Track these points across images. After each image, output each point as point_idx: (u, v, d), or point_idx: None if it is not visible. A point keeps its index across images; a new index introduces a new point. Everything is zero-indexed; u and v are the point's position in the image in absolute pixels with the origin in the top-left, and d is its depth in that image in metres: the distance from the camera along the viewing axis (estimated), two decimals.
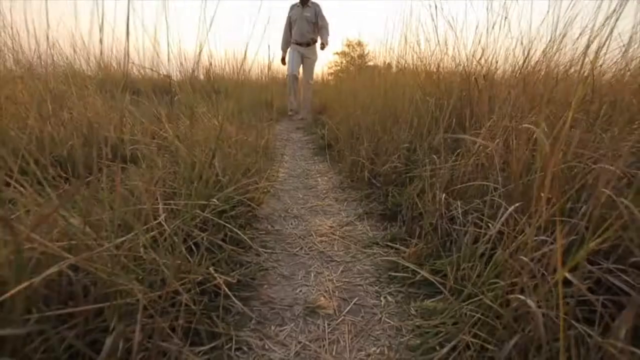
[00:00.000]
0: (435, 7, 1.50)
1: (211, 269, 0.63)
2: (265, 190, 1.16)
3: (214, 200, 0.74)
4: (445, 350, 0.54)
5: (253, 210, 1.04)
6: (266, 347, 0.58)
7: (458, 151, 1.04)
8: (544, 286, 0.46)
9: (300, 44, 3.83)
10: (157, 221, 0.57)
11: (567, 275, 0.44)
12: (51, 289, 0.45)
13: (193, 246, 0.68)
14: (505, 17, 1.33)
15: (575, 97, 0.58)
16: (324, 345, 0.59)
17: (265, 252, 0.88)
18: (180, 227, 0.63)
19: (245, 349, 0.57)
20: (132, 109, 1.48)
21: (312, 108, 4.10)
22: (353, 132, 1.76)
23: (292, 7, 3.92)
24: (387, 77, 2.33)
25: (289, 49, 3.89)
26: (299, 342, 0.60)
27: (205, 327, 0.56)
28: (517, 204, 0.59)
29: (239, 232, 0.77)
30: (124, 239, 0.51)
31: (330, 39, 3.94)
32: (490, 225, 0.68)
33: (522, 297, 0.45)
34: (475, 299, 0.58)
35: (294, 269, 0.83)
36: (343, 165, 1.70)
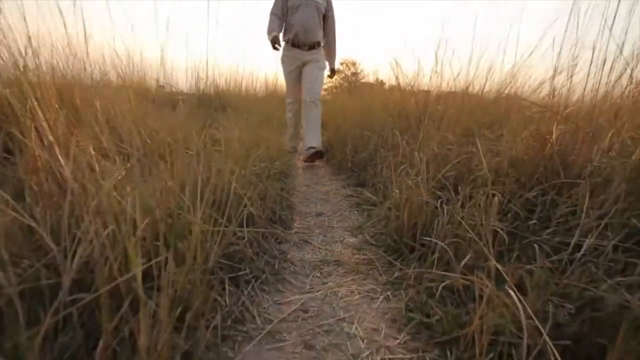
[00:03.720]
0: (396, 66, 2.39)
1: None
2: (290, 169, 2.00)
3: (277, 163, 1.57)
4: (374, 220, 1.37)
5: (286, 179, 1.86)
6: (304, 223, 1.40)
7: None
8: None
9: (300, 47, 2.53)
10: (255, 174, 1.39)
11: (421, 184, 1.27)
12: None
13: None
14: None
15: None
16: (325, 222, 1.42)
17: (294, 197, 1.71)
18: (262, 174, 1.45)
19: (295, 223, 1.39)
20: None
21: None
22: (342, 140, 2.61)
23: None
24: (372, 97, 3.24)
25: (282, 55, 2.67)
26: (314, 221, 1.42)
27: (279, 207, 1.38)
28: (403, 166, 1.43)
29: (285, 180, 1.60)
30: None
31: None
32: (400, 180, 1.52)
33: (396, 191, 1.28)
34: (389, 203, 1.41)
35: (309, 203, 1.66)
36: (335, 161, 2.54)
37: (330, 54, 2.78)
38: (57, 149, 0.67)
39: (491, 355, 0.60)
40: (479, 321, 0.61)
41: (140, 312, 0.45)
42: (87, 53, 1.16)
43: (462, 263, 0.77)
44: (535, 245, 0.84)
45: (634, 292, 0.70)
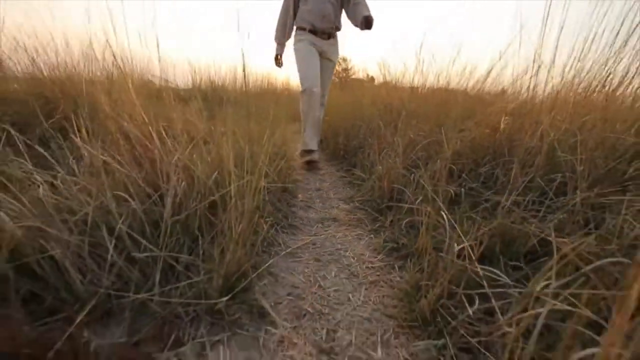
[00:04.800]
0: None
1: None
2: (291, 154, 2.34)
3: (283, 148, 1.90)
4: (363, 192, 1.72)
5: (289, 162, 2.20)
6: (306, 195, 1.75)
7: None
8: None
9: (316, 33, 2.29)
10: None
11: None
12: None
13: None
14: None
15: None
16: (324, 194, 1.77)
17: (297, 175, 2.06)
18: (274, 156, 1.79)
19: (299, 195, 1.74)
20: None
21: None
22: (335, 132, 2.96)
23: None
24: (362, 93, 3.59)
25: (295, 42, 2.36)
26: (315, 194, 1.77)
27: (288, 180, 1.72)
28: (386, 150, 1.78)
29: (290, 162, 1.94)
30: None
31: None
32: (383, 159, 1.87)
33: (380, 167, 1.64)
34: (374, 177, 1.77)
35: (309, 182, 2.01)
36: (329, 150, 2.89)
37: (358, 8, 2.23)
38: (150, 127, 1.00)
39: (432, 255, 0.96)
40: (425, 237, 0.97)
41: (232, 211, 0.78)
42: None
43: (417, 201, 1.13)
44: (462, 190, 1.21)
45: (530, 224, 1.07)
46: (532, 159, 1.43)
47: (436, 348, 0.67)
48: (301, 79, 2.24)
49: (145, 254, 0.77)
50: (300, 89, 2.24)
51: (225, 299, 0.70)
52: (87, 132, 1.05)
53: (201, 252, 0.80)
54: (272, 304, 0.79)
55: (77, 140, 1.03)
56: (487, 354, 0.64)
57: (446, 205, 1.15)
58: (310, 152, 2.32)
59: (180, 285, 0.72)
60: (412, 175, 1.49)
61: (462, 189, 1.35)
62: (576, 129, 1.41)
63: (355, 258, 1.08)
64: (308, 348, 0.67)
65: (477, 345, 0.65)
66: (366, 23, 2.13)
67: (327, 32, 2.31)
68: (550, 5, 1.60)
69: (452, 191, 1.26)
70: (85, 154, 1.03)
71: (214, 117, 1.90)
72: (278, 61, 2.47)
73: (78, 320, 0.60)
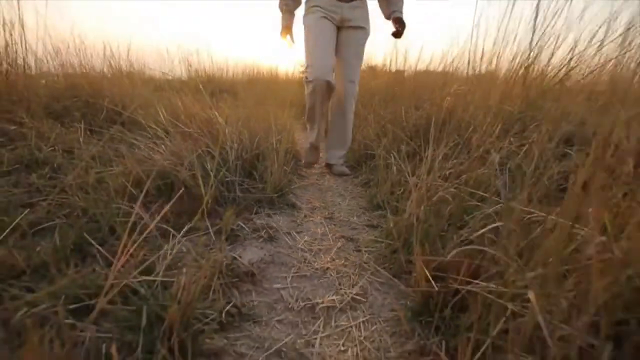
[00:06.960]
0: None
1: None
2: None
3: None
4: (347, 156, 2.38)
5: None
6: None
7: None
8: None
9: None
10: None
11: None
12: None
13: None
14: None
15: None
16: (319, 159, 2.42)
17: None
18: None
19: (302, 159, 2.39)
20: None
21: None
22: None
23: None
24: None
25: (305, 13, 1.89)
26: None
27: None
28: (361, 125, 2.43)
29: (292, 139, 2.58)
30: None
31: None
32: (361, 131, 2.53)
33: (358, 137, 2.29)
34: (355, 144, 2.42)
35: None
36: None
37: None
38: (214, 109, 1.62)
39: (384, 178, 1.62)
40: (381, 171, 1.63)
41: (275, 154, 1.43)
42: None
43: (382, 147, 1.79)
44: (411, 148, 1.88)
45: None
46: (459, 124, 2.11)
47: (382, 214, 1.35)
48: (308, 65, 1.81)
49: (227, 179, 1.42)
50: (306, 77, 1.84)
51: (276, 195, 1.35)
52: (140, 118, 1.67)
53: (258, 177, 1.45)
54: (298, 203, 1.45)
55: (163, 119, 1.66)
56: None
57: (405, 159, 1.81)
58: (313, 149, 2.16)
59: (251, 189, 1.37)
60: (380, 140, 2.15)
61: (413, 147, 2.02)
62: (485, 104, 2.09)
63: (343, 189, 1.75)
64: (319, 217, 1.33)
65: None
66: (396, 31, 1.89)
67: None
68: (476, 10, 2.25)
69: (403, 147, 1.92)
70: (171, 129, 1.65)
71: (233, 104, 2.51)
72: (285, 35, 1.93)
73: (205, 201, 1.24)
